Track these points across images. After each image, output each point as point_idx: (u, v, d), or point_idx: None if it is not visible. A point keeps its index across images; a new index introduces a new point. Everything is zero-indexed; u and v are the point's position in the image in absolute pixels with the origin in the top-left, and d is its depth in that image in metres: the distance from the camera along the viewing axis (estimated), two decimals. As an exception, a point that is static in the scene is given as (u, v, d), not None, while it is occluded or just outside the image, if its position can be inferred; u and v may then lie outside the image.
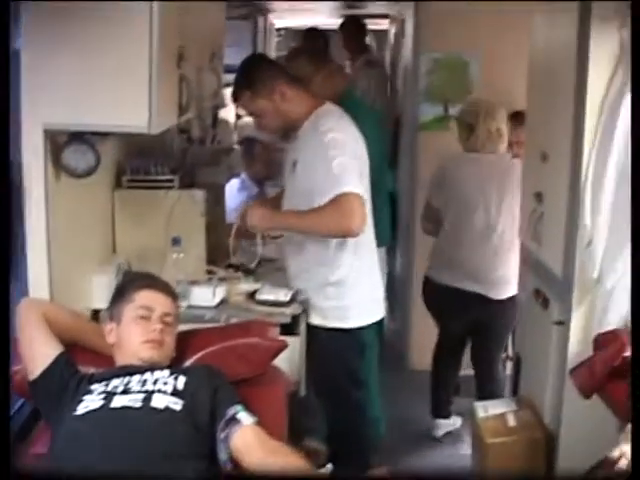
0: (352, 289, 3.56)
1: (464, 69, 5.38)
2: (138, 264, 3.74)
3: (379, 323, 3.76)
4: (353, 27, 6.90)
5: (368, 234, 3.60)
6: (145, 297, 2.86)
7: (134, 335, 2.80)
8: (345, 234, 3.39)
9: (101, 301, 3.45)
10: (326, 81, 4.09)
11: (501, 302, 4.48)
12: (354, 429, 3.75)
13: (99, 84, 2.87)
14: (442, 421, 4.93)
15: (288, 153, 3.67)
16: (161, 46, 2.87)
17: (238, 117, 8.11)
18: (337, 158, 3.29)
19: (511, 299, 4.43)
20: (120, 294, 2.93)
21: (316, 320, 3.61)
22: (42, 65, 2.86)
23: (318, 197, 3.33)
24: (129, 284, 2.97)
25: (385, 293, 3.94)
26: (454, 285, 4.56)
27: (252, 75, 3.51)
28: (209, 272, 3.88)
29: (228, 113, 7.05)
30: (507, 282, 4.46)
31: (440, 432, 4.93)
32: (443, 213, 4.64)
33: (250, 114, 3.70)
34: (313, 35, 6.86)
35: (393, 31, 7.24)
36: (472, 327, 4.72)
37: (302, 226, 3.48)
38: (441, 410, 4.94)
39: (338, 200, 3.24)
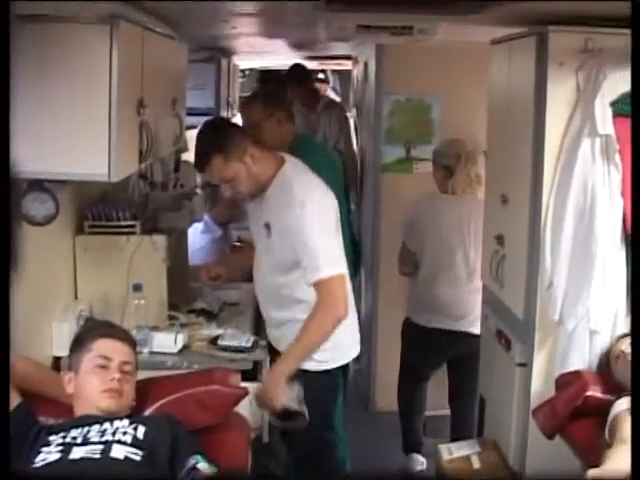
0: (329, 340, 3.49)
1: (426, 111, 5.42)
2: (100, 310, 3.73)
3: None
4: (298, 75, 6.98)
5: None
6: (103, 346, 2.83)
7: (92, 385, 2.77)
8: (340, 322, 3.37)
9: (62, 348, 3.43)
10: (278, 127, 4.10)
11: (479, 336, 4.45)
12: (323, 469, 3.72)
13: (58, 132, 2.86)
14: (418, 456, 4.95)
15: (255, 212, 3.60)
16: (121, 93, 2.86)
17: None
18: (315, 234, 3.30)
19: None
20: (78, 343, 2.90)
21: (309, 365, 3.53)
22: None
23: (300, 271, 3.37)
24: (87, 333, 2.95)
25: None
26: (437, 326, 4.60)
27: (222, 139, 3.41)
28: (171, 318, 3.87)
29: (191, 155, 7.06)
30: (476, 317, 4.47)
31: (418, 466, 4.94)
32: (419, 255, 4.67)
33: (221, 180, 3.55)
34: (269, 78, 6.90)
35: (356, 72, 7.28)
36: (454, 363, 4.75)
37: (308, 350, 3.42)
38: (416, 445, 4.94)
39: (319, 292, 3.30)
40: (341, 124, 6.72)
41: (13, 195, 1.88)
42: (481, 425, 4.10)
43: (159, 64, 3.66)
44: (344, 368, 3.73)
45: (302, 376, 3.47)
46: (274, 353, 3.67)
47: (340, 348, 3.56)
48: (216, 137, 3.44)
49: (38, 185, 3.04)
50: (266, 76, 6.88)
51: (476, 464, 3.74)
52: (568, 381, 3.25)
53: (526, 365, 3.49)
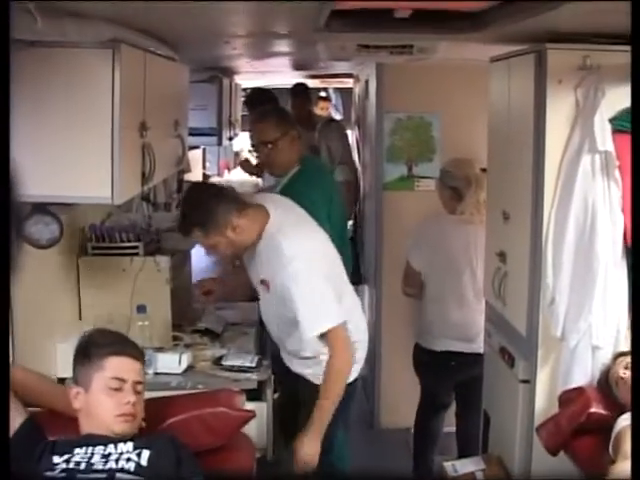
0: None
1: (427, 129, 5.45)
2: (104, 331, 3.72)
3: None
4: (300, 93, 7.04)
5: (352, 302, 3.65)
6: (116, 365, 2.75)
7: (106, 407, 2.71)
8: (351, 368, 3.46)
9: (66, 370, 3.43)
10: (291, 145, 4.12)
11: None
12: None
13: (62, 155, 2.89)
14: None
15: (249, 263, 3.57)
16: (123, 116, 2.90)
17: (205, 178, 8.16)
18: (307, 294, 3.31)
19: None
20: (86, 357, 2.79)
21: (310, 377, 3.58)
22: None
23: (302, 330, 3.38)
24: (97, 348, 2.80)
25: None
26: (448, 349, 4.59)
27: (202, 213, 3.35)
28: (175, 338, 3.88)
29: (195, 175, 7.10)
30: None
31: None
32: (425, 276, 4.66)
33: (206, 248, 3.56)
34: (259, 96, 6.90)
35: (357, 90, 7.31)
36: (464, 385, 4.72)
37: (336, 400, 3.43)
38: (428, 472, 4.93)
39: (330, 342, 3.36)
40: (342, 141, 6.77)
41: (14, 214, 1.91)
42: (485, 441, 4.10)
43: (161, 86, 3.68)
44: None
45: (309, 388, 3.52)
46: (283, 369, 3.70)
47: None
48: (197, 210, 3.38)
49: (42, 208, 3.06)
50: (255, 95, 6.86)
51: (481, 481, 3.75)
52: (571, 398, 3.26)
53: (529, 382, 3.50)
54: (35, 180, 2.88)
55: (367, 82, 6.19)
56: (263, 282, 3.48)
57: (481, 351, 4.40)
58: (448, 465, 3.92)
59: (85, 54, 2.85)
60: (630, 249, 3.18)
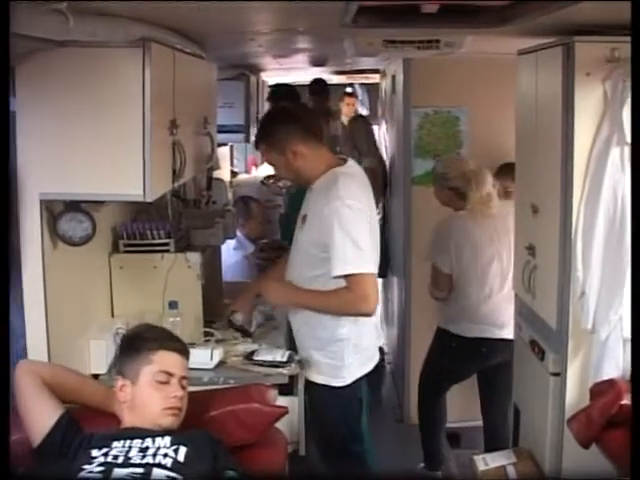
0: (352, 348, 3.58)
1: (454, 123, 5.45)
2: (136, 328, 3.76)
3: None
4: (318, 90, 7.06)
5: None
6: (165, 360, 2.81)
7: (153, 400, 2.75)
8: (362, 315, 3.50)
9: (99, 366, 3.49)
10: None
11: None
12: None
13: (94, 153, 2.93)
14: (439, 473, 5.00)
15: (302, 207, 3.70)
16: (154, 114, 2.93)
17: (233, 175, 8.18)
18: (348, 233, 3.36)
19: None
20: (135, 350, 2.84)
21: (314, 377, 3.63)
22: (36, 133, 2.93)
23: (315, 259, 3.48)
24: (145, 342, 2.86)
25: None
26: (479, 336, 4.61)
27: (268, 130, 3.62)
28: (206, 334, 3.91)
29: (223, 172, 7.13)
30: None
31: None
32: (456, 276, 4.67)
33: (267, 163, 3.84)
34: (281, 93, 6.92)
35: (384, 86, 7.32)
36: (487, 373, 4.76)
37: (320, 307, 3.56)
38: (441, 461, 4.96)
39: (353, 282, 3.37)
40: (367, 136, 6.79)
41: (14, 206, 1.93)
42: (516, 435, 4.09)
43: (190, 84, 3.72)
44: (368, 379, 3.76)
45: (319, 391, 3.59)
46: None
47: (356, 364, 3.62)
48: (266, 127, 3.67)
49: (75, 206, 3.09)
50: (276, 91, 6.87)
51: (512, 474, 3.73)
52: (602, 390, 3.24)
53: (560, 374, 3.49)
54: (68, 178, 2.96)
55: (394, 77, 6.20)
56: (303, 218, 3.59)
57: (511, 336, 4.41)
58: (478, 458, 3.91)
59: (115, 53, 2.88)
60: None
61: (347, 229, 3.36)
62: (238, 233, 5.60)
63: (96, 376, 3.52)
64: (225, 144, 7.11)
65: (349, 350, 3.57)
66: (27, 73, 2.87)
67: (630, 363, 3.22)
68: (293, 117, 3.64)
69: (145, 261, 3.87)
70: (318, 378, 3.62)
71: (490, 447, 4.62)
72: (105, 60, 2.88)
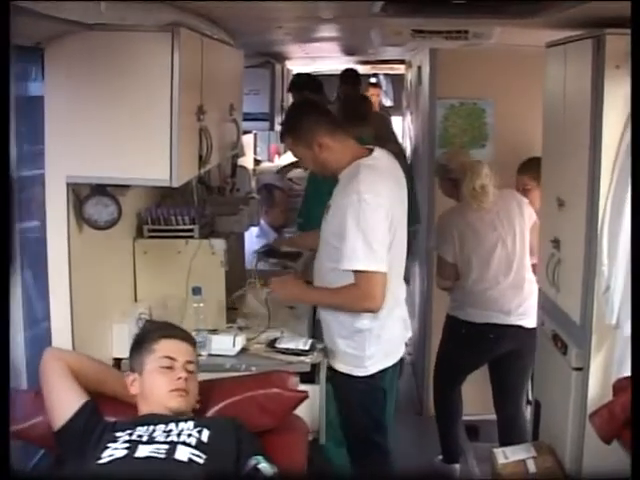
0: (374, 339, 3.58)
1: (479, 115, 5.43)
2: (159, 313, 3.78)
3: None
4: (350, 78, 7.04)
5: (396, 283, 3.66)
6: (166, 347, 2.90)
7: (159, 385, 2.83)
8: (367, 312, 3.51)
9: (122, 350, 3.49)
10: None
11: (529, 330, 4.48)
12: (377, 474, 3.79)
13: (121, 137, 2.93)
14: (458, 466, 4.98)
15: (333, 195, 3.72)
16: (182, 100, 2.92)
17: (256, 163, 8.19)
18: (360, 229, 3.35)
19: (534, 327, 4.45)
20: (139, 345, 2.96)
21: (338, 366, 3.65)
22: (64, 116, 2.92)
23: (333, 250, 3.50)
24: (148, 334, 3.00)
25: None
26: (487, 321, 4.60)
27: (294, 123, 3.65)
28: (229, 321, 3.92)
29: (246, 160, 7.13)
30: (531, 312, 4.50)
31: (456, 476, 4.97)
32: (460, 265, 4.68)
33: (293, 155, 3.86)
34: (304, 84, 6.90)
35: (409, 77, 7.30)
36: (497, 362, 4.75)
37: (326, 303, 3.67)
38: (458, 454, 4.96)
39: (360, 279, 3.40)
40: (387, 127, 6.79)
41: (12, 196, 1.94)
42: (536, 429, 4.08)
43: (217, 70, 3.71)
44: (393, 369, 3.78)
45: (342, 380, 3.63)
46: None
47: (379, 354, 3.63)
48: (292, 120, 3.71)
49: (101, 190, 3.10)
50: (298, 80, 6.82)
51: (532, 468, 3.72)
52: (626, 385, 3.21)
53: (582, 369, 3.47)
54: (95, 162, 2.96)
55: (420, 68, 6.18)
56: (327, 209, 3.62)
57: (520, 323, 4.47)
58: (498, 451, 3.90)
59: (144, 38, 2.87)
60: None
61: (361, 224, 3.36)
62: (261, 221, 5.60)
63: (118, 360, 3.53)
64: (249, 132, 7.11)
65: (371, 341, 3.57)
66: (56, 56, 2.87)
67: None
68: (319, 109, 3.69)
69: (169, 246, 3.87)
70: (341, 367, 3.63)
71: (505, 439, 4.63)
72: (134, 44, 2.87)
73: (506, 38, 4.15)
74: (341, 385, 3.67)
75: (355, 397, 3.67)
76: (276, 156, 9.48)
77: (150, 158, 2.94)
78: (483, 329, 4.63)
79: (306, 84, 6.65)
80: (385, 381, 3.70)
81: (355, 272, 3.40)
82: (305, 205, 5.44)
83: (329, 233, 3.58)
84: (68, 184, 3.00)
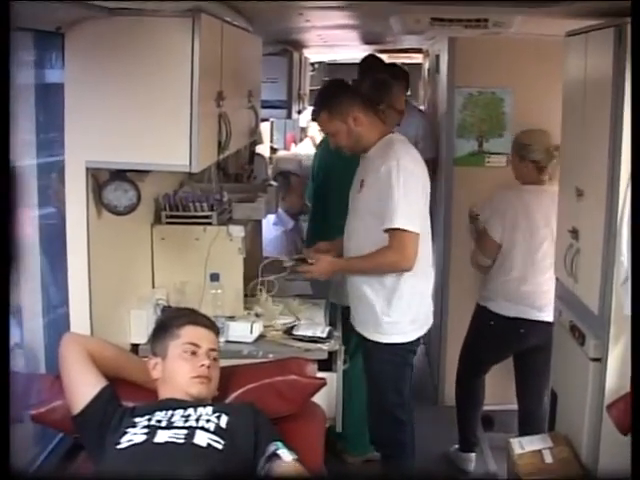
0: (415, 302, 3.76)
1: (498, 105, 5.39)
2: (176, 299, 3.81)
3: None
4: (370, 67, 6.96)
5: (425, 254, 3.77)
6: (191, 333, 2.92)
7: (182, 371, 2.84)
8: (401, 271, 3.67)
9: (139, 336, 3.51)
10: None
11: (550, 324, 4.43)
12: (401, 451, 3.93)
13: (141, 123, 2.92)
14: (473, 455, 4.97)
15: (358, 173, 3.88)
16: (202, 85, 2.91)
17: (273, 151, 8.18)
18: (401, 189, 3.54)
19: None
20: (163, 330, 2.97)
21: (376, 336, 3.78)
22: (84, 102, 2.92)
23: (376, 221, 3.62)
24: (172, 320, 3.01)
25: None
26: (520, 316, 4.57)
27: (330, 98, 3.81)
28: (247, 308, 3.92)
29: (263, 148, 7.12)
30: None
31: (471, 467, 4.95)
32: (505, 247, 4.60)
33: (326, 133, 4.01)
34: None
35: (427, 66, 7.26)
36: (524, 355, 4.72)
37: (363, 270, 3.77)
38: (474, 443, 4.94)
39: (396, 237, 3.58)
40: None
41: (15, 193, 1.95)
42: (553, 420, 4.07)
43: (236, 57, 3.71)
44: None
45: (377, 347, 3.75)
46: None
47: (417, 322, 3.80)
48: (327, 96, 3.87)
49: (121, 175, 3.09)
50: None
51: (548, 459, 3.71)
52: (644, 377, 3.21)
53: (600, 360, 3.46)
54: (114, 147, 2.96)
55: (438, 57, 6.15)
56: (361, 183, 3.76)
57: (550, 319, 4.38)
58: (514, 442, 3.90)
59: (165, 23, 2.87)
60: None
61: (402, 186, 3.55)
62: (278, 208, 5.59)
63: (136, 345, 3.55)
64: (267, 119, 7.10)
65: (411, 304, 3.74)
66: (76, 41, 2.86)
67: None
68: (352, 87, 3.97)
69: (187, 233, 3.88)
70: (381, 337, 3.76)
71: (524, 431, 4.59)
72: (154, 29, 2.86)
73: (527, 27, 4.11)
74: (375, 356, 3.80)
75: (386, 366, 3.79)
76: (292, 144, 9.48)
77: (170, 143, 2.93)
78: (514, 323, 4.59)
79: (376, 67, 6.59)
80: (414, 354, 3.86)
81: (391, 231, 3.55)
82: (317, 184, 5.50)
83: (365, 208, 3.72)
84: (88, 169, 3.00)
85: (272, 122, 8.44)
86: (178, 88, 2.89)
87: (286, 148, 9.41)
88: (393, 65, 6.64)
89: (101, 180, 3.09)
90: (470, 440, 4.95)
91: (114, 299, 3.45)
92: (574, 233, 3.74)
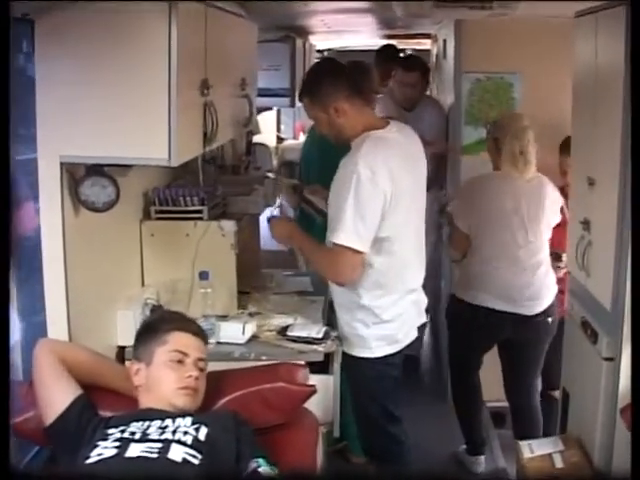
0: (374, 318, 3.46)
1: (507, 90, 5.23)
2: (167, 298, 3.67)
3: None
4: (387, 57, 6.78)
5: (404, 264, 3.50)
6: (179, 340, 2.75)
7: (168, 380, 2.69)
8: (334, 283, 3.47)
9: (126, 338, 3.37)
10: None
11: (532, 318, 4.31)
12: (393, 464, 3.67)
13: (116, 115, 2.76)
14: (482, 457, 4.80)
15: None
16: (181, 74, 2.75)
17: (279, 140, 8.03)
18: (351, 199, 3.23)
19: (541, 314, 4.30)
20: (149, 334, 2.80)
21: (345, 348, 3.53)
22: (56, 94, 2.76)
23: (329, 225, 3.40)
24: (159, 324, 2.84)
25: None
26: (487, 305, 4.37)
27: (312, 84, 3.51)
28: (240, 306, 3.79)
29: (268, 137, 6.97)
30: (537, 298, 4.32)
31: (481, 469, 4.78)
32: (472, 237, 4.45)
33: (309, 116, 3.71)
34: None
35: (435, 51, 7.10)
36: (504, 350, 4.56)
37: (309, 258, 3.66)
38: (481, 445, 4.77)
39: (333, 250, 3.31)
40: None
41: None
42: (564, 421, 3.91)
43: (225, 43, 3.55)
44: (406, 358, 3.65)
45: (352, 363, 3.51)
46: None
47: (387, 338, 3.49)
48: (311, 80, 3.55)
49: (98, 170, 2.94)
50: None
51: (558, 463, 3.55)
52: (660, 378, 3.05)
53: (614, 359, 3.29)
54: (90, 141, 2.81)
55: (445, 41, 6.00)
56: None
57: (527, 313, 4.28)
58: (524, 444, 3.74)
59: (140, 8, 2.69)
60: None
61: (349, 199, 3.23)
62: (283, 200, 5.43)
63: (123, 348, 3.41)
64: (270, 108, 6.96)
65: (371, 320, 3.45)
66: (47, 30, 2.71)
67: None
68: (340, 72, 3.52)
69: (177, 229, 3.72)
70: (347, 348, 3.52)
71: (517, 430, 4.53)
72: (129, 16, 2.69)
73: (534, 8, 3.96)
74: (349, 369, 3.55)
75: (362, 382, 3.54)
76: (301, 133, 9.31)
77: (147, 136, 2.77)
78: (483, 312, 4.39)
79: (392, 57, 6.44)
80: (395, 368, 3.55)
81: (332, 245, 3.31)
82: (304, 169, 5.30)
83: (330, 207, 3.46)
84: (62, 164, 2.84)
85: (279, 110, 8.28)
86: (155, 77, 2.72)
87: (295, 137, 9.25)
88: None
89: (77, 176, 2.93)
90: (477, 441, 4.78)
91: (99, 300, 3.31)
92: (586, 224, 3.59)
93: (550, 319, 4.33)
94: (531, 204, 4.27)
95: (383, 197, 3.28)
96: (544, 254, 4.34)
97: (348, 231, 3.24)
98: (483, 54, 5.23)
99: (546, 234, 4.33)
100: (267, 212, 4.78)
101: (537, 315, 4.30)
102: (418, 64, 5.91)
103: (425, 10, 4.23)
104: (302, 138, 9.08)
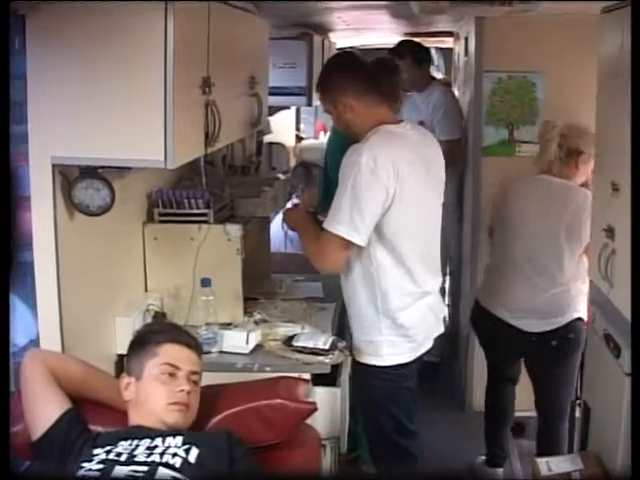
0: (390, 323, 3.33)
1: (529, 90, 5.08)
2: (170, 305, 3.58)
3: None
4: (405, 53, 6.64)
5: (418, 266, 3.38)
6: (171, 353, 2.61)
7: (158, 395, 2.54)
8: (319, 269, 3.41)
9: (125, 346, 3.19)
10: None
11: (539, 335, 4.15)
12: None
13: (110, 114, 2.62)
14: (501, 470, 4.66)
15: None
16: (179, 72, 2.61)
17: (299, 140, 7.89)
18: (349, 189, 3.17)
19: (553, 332, 4.12)
20: (140, 346, 2.67)
21: (357, 356, 3.41)
22: (49, 94, 2.63)
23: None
24: (151, 336, 2.70)
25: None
26: (492, 312, 4.28)
27: (326, 78, 3.48)
28: (247, 313, 3.67)
29: (285, 137, 6.84)
30: (545, 315, 4.13)
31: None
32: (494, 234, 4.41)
33: (324, 110, 3.62)
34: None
35: (457, 49, 6.94)
36: (528, 366, 4.39)
37: (302, 243, 3.58)
38: (502, 459, 4.62)
39: (322, 236, 3.25)
40: None
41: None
42: (585, 436, 3.74)
43: (231, 40, 3.40)
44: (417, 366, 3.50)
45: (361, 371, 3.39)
46: None
47: (399, 346, 3.36)
48: (324, 74, 3.52)
49: (92, 172, 2.80)
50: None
51: (577, 483, 3.40)
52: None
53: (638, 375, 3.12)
54: (83, 142, 2.67)
55: (466, 39, 5.84)
56: None
57: (526, 329, 4.15)
58: (542, 462, 3.58)
59: (135, 7, 2.55)
60: None
61: (346, 185, 3.18)
62: (296, 201, 5.30)
63: (121, 356, 3.25)
64: (287, 107, 6.81)
65: (384, 326, 3.33)
66: (38, 26, 2.58)
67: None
68: (353, 67, 3.45)
69: (181, 232, 3.60)
70: (359, 357, 3.40)
71: (540, 446, 4.36)
72: (124, 11, 2.55)
73: (557, 5, 3.81)
74: (358, 377, 3.43)
75: (372, 393, 3.41)
76: (321, 132, 9.16)
77: (142, 137, 2.63)
78: (493, 318, 4.28)
79: (409, 52, 6.30)
80: (408, 378, 3.41)
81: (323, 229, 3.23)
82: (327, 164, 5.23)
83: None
84: (54, 166, 2.71)
85: (298, 109, 8.13)
86: (151, 75, 2.58)
87: (315, 137, 9.09)
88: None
89: (71, 178, 2.79)
90: (498, 454, 4.62)
91: (97, 307, 3.19)
92: (609, 232, 3.42)
93: (572, 335, 4.13)
94: (557, 215, 4.11)
95: (384, 190, 3.18)
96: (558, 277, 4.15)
97: (341, 220, 3.17)
98: (505, 52, 5.10)
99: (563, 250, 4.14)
100: (276, 215, 4.67)
101: (546, 333, 4.13)
102: (402, 51, 5.86)
103: (442, 7, 4.09)
104: (322, 137, 8.95)
